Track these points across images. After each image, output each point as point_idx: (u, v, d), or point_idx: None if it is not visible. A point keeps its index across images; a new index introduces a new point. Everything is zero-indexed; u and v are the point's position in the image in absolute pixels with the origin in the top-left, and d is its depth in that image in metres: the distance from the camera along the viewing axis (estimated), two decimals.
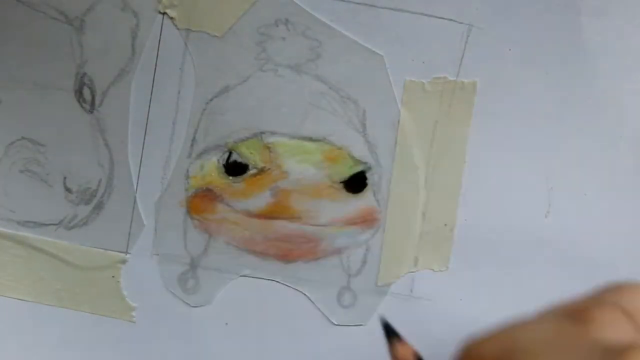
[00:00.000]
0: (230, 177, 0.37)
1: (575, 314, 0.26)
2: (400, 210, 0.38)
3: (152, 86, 0.37)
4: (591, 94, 0.37)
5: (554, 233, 0.38)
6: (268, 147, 0.37)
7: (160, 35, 0.37)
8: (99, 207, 0.38)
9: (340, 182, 0.38)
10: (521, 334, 0.26)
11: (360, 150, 0.37)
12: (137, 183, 0.38)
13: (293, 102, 0.37)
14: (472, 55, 0.37)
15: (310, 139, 0.37)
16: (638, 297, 0.27)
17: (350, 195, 0.38)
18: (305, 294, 0.38)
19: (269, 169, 0.37)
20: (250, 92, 0.37)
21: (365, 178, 0.37)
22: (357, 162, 0.37)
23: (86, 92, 0.37)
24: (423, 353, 0.29)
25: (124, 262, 0.38)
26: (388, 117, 0.37)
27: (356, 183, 0.38)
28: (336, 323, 0.38)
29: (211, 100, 0.37)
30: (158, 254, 0.38)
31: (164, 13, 0.36)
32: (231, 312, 0.38)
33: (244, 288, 0.38)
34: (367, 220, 0.38)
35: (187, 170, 0.38)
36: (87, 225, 0.38)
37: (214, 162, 0.37)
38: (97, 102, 0.37)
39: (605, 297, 0.27)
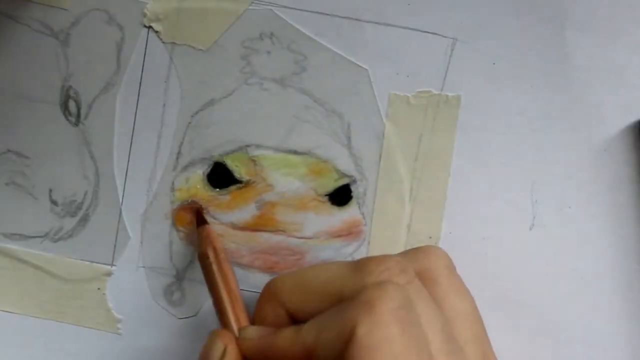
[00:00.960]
0: (216, 190, 0.38)
1: (355, 264, 0.31)
2: (385, 223, 0.38)
3: (138, 99, 0.37)
4: (575, 108, 0.37)
5: (538, 246, 0.38)
6: (253, 160, 0.37)
7: (146, 48, 0.37)
8: (84, 219, 0.38)
9: (325, 195, 0.38)
10: (310, 272, 0.32)
11: (345, 164, 0.37)
12: (123, 195, 0.38)
13: (278, 116, 0.37)
14: (456, 69, 0.37)
15: (295, 152, 0.37)
16: (432, 257, 0.32)
17: (335, 208, 0.38)
18: None
19: (254, 181, 0.37)
20: (235, 106, 0.37)
21: (350, 191, 0.38)
22: (342, 175, 0.37)
23: (72, 105, 0.37)
24: None
25: (109, 274, 0.38)
26: (373, 131, 0.37)
27: (341, 196, 0.38)
28: None
29: (196, 113, 0.37)
30: (144, 266, 0.38)
31: (149, 27, 0.37)
32: (217, 324, 0.38)
33: None
34: (352, 233, 0.38)
35: (173, 183, 0.38)
36: (72, 238, 0.38)
37: (199, 175, 0.38)
38: (82, 115, 0.37)
39: (403, 255, 0.32)
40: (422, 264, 0.32)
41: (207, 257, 0.34)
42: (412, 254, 0.33)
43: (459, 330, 0.31)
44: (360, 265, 0.30)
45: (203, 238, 0.35)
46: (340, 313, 0.28)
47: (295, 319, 0.31)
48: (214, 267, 0.34)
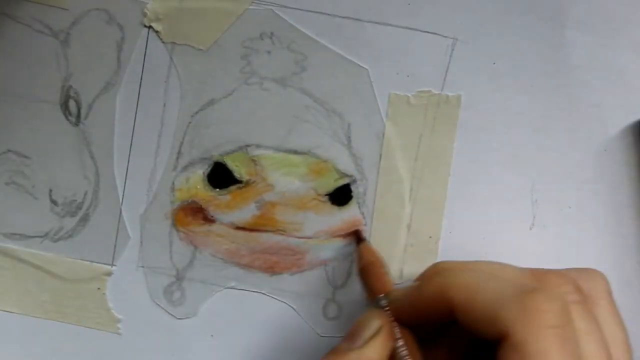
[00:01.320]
0: (216, 190, 0.38)
1: (535, 273, 0.30)
2: (385, 223, 0.38)
3: (138, 99, 0.37)
4: (575, 107, 0.37)
5: (538, 245, 0.38)
6: (253, 160, 0.37)
7: (146, 48, 0.37)
8: (84, 219, 0.38)
9: (326, 195, 0.38)
10: (482, 266, 0.31)
11: (345, 163, 0.37)
12: (123, 195, 0.38)
13: (278, 116, 0.37)
14: (456, 69, 0.37)
15: (296, 152, 0.37)
16: (595, 280, 0.32)
17: (335, 207, 0.38)
18: (290, 306, 0.38)
19: (254, 181, 0.37)
20: (235, 106, 0.37)
21: (350, 191, 0.38)
22: (342, 174, 0.37)
23: (72, 105, 0.37)
24: None
25: (109, 274, 0.38)
26: (373, 130, 0.37)
27: (341, 196, 0.38)
28: (322, 334, 0.38)
29: (196, 113, 0.37)
30: (144, 266, 0.38)
31: (150, 27, 0.37)
32: (217, 324, 0.38)
33: (229, 300, 0.38)
34: (352, 233, 0.38)
35: (173, 183, 0.38)
36: (72, 238, 0.38)
37: (199, 175, 0.38)
38: (82, 115, 0.37)
39: (569, 273, 0.31)
40: (587, 283, 0.31)
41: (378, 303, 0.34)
42: (575, 273, 0.32)
43: (613, 357, 0.30)
44: (538, 275, 0.30)
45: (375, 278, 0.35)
46: (501, 304, 0.28)
47: (450, 317, 0.30)
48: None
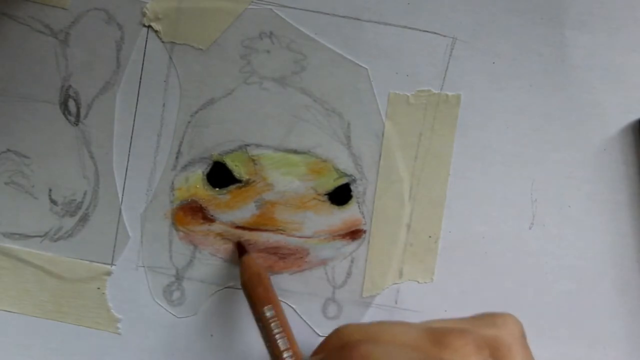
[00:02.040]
0: (216, 189, 0.38)
1: (435, 334, 0.30)
2: (384, 222, 0.38)
3: (137, 99, 0.37)
4: (575, 106, 0.37)
5: (538, 244, 0.38)
6: (253, 160, 0.37)
7: (145, 48, 0.37)
8: (84, 219, 0.38)
9: (325, 194, 0.38)
10: (386, 331, 0.30)
11: (344, 163, 0.37)
12: (123, 195, 0.38)
13: (278, 115, 0.37)
14: (456, 68, 0.37)
15: (295, 152, 0.37)
16: (507, 326, 0.31)
17: (335, 207, 0.38)
18: (290, 306, 0.38)
19: (254, 181, 0.37)
20: (235, 105, 0.37)
21: (349, 190, 0.38)
22: (342, 174, 0.37)
23: (71, 105, 0.37)
24: None
25: (109, 273, 0.38)
26: (372, 130, 0.37)
27: (341, 195, 0.38)
28: (321, 334, 0.38)
29: (196, 112, 0.37)
30: (143, 266, 0.38)
31: (149, 26, 0.37)
32: (216, 323, 0.38)
33: (229, 299, 0.38)
34: (352, 232, 0.38)
35: (172, 183, 0.38)
36: (72, 237, 0.38)
37: (199, 174, 0.38)
38: (82, 114, 0.37)
39: (476, 325, 0.31)
40: (497, 332, 0.31)
41: (264, 314, 0.35)
42: (486, 320, 0.32)
43: None
44: (439, 337, 0.30)
45: (259, 292, 0.36)
46: None
47: None
48: (273, 325, 0.35)
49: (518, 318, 0.32)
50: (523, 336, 0.32)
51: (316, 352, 0.32)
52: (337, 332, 0.32)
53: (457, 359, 0.29)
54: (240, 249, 0.37)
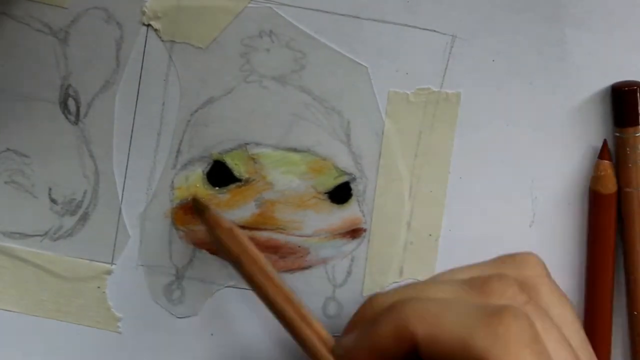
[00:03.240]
0: (215, 188, 0.38)
1: (474, 284, 0.29)
2: (385, 221, 0.38)
3: (137, 98, 0.37)
4: (575, 104, 0.37)
5: (538, 242, 0.38)
6: (253, 158, 0.37)
7: (145, 46, 0.37)
8: (84, 218, 0.38)
9: (325, 193, 0.38)
10: (421, 291, 0.30)
11: (344, 161, 0.37)
12: (122, 194, 0.38)
13: (277, 113, 0.37)
14: (455, 66, 0.37)
15: (295, 150, 0.37)
16: (530, 266, 0.31)
17: (335, 206, 0.38)
18: None
19: (254, 180, 0.37)
20: (234, 104, 0.37)
21: (349, 189, 0.38)
22: (342, 173, 0.37)
23: (71, 104, 0.37)
24: None
25: (109, 273, 0.38)
26: (372, 128, 0.37)
27: (341, 194, 0.38)
28: None
29: (196, 111, 0.37)
30: (143, 265, 0.38)
31: (148, 25, 0.37)
32: (217, 322, 0.38)
33: (229, 299, 0.38)
34: (352, 231, 0.38)
35: (172, 182, 0.38)
36: (72, 237, 0.38)
37: (198, 173, 0.38)
38: (81, 113, 0.37)
39: (502, 268, 0.31)
40: (522, 272, 0.31)
41: (243, 266, 0.32)
42: (510, 261, 0.32)
43: (569, 340, 0.29)
44: (479, 286, 0.29)
45: (227, 238, 0.33)
46: (470, 332, 0.27)
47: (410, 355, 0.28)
48: (259, 277, 0.32)
49: (538, 256, 0.32)
50: (547, 271, 0.32)
51: (349, 329, 0.31)
52: (369, 303, 0.31)
53: (505, 302, 0.28)
54: (198, 207, 0.35)
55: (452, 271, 0.32)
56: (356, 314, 0.31)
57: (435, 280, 0.31)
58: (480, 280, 0.30)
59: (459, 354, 0.27)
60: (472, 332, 0.26)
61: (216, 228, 0.34)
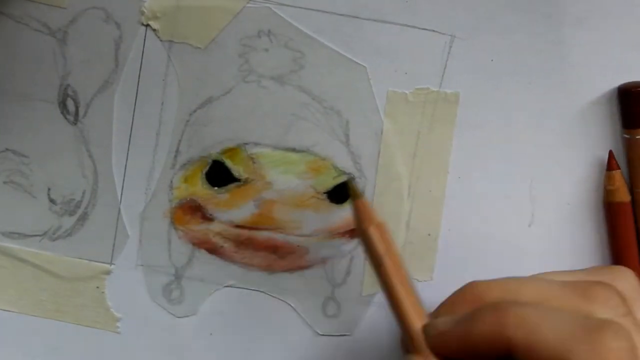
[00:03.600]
0: (214, 188, 0.38)
1: (578, 288, 0.28)
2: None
3: (136, 98, 0.37)
4: (573, 104, 0.37)
5: (537, 242, 0.38)
6: (252, 158, 0.37)
7: (144, 47, 0.37)
8: (83, 218, 0.38)
9: (324, 193, 0.38)
10: (525, 287, 0.29)
11: (343, 161, 0.37)
12: (121, 194, 0.38)
13: (276, 113, 0.37)
14: (454, 66, 0.37)
15: (294, 150, 0.37)
16: (627, 279, 0.30)
17: (334, 205, 0.38)
18: (290, 304, 0.38)
19: (253, 179, 0.37)
20: (233, 103, 0.37)
21: (348, 188, 0.37)
22: (341, 172, 0.37)
23: (70, 104, 0.37)
24: None
25: (108, 273, 0.38)
26: (371, 128, 0.37)
27: (340, 193, 0.38)
28: (321, 333, 0.38)
29: (194, 111, 0.37)
30: (142, 265, 0.38)
31: (147, 25, 0.37)
32: (216, 322, 0.38)
33: (228, 298, 0.38)
34: (351, 231, 0.38)
35: (171, 181, 0.38)
36: (71, 236, 0.38)
37: (197, 173, 0.38)
38: (80, 113, 0.37)
39: (601, 276, 0.30)
40: (620, 284, 0.30)
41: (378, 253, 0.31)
42: (607, 272, 0.31)
43: None
44: (583, 291, 0.29)
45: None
46: (569, 347, 0.26)
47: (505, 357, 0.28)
48: (387, 261, 0.31)
49: (632, 272, 0.31)
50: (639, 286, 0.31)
51: (446, 307, 0.30)
52: (470, 288, 0.30)
53: (608, 312, 0.28)
54: (354, 190, 0.35)
55: (550, 273, 0.31)
56: (454, 296, 0.30)
57: (537, 278, 0.30)
58: (583, 284, 0.29)
59: None
60: (572, 348, 0.26)
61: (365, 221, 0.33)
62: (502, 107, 0.37)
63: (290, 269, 0.38)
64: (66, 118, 0.37)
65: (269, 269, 0.38)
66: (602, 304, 0.28)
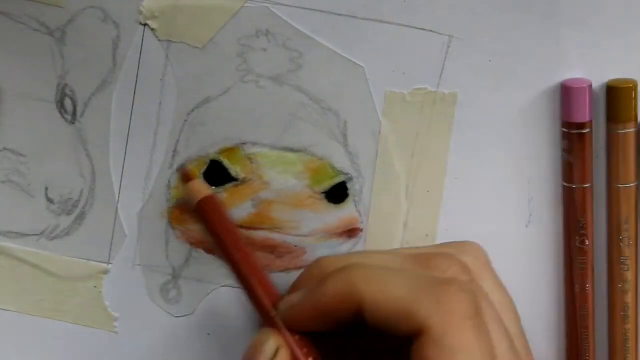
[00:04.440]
0: (212, 188, 0.37)
1: (419, 259, 0.31)
2: (381, 221, 0.38)
3: (134, 97, 0.37)
4: None
5: (535, 243, 0.38)
6: (249, 158, 0.37)
7: (142, 46, 0.37)
8: (81, 217, 0.38)
9: (322, 193, 0.38)
10: (369, 258, 0.31)
11: (341, 161, 0.37)
12: (119, 194, 0.38)
13: (274, 113, 0.37)
14: (452, 67, 0.37)
15: (292, 150, 0.37)
16: (474, 253, 0.33)
17: (331, 205, 0.38)
18: None
19: (250, 179, 0.37)
20: (231, 103, 0.37)
21: (346, 189, 0.38)
22: (338, 172, 0.37)
23: (67, 103, 0.37)
24: None
25: (106, 272, 0.38)
26: (369, 128, 0.37)
27: (337, 194, 0.38)
28: None
29: (192, 111, 0.37)
30: (140, 265, 0.38)
31: (145, 24, 0.37)
32: (213, 322, 0.38)
33: (226, 298, 0.38)
34: (349, 231, 0.38)
35: (169, 181, 0.38)
36: (69, 236, 0.38)
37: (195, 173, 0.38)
38: (78, 113, 0.37)
39: (446, 250, 0.32)
40: (467, 257, 0.32)
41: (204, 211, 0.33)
42: (455, 246, 0.33)
43: (507, 327, 0.31)
44: (424, 261, 0.31)
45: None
46: (415, 298, 0.28)
47: (356, 318, 0.29)
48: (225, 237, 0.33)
49: (482, 246, 0.34)
50: (490, 261, 0.34)
51: (295, 286, 0.32)
52: (317, 264, 0.32)
53: (448, 278, 0.30)
54: (186, 175, 0.36)
55: (398, 249, 0.34)
56: (302, 274, 0.32)
57: (382, 251, 0.32)
58: (425, 256, 0.31)
59: (403, 320, 0.28)
60: (417, 299, 0.28)
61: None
62: (500, 108, 0.37)
63: (288, 269, 0.38)
64: (64, 117, 0.37)
65: (267, 269, 0.38)
66: (442, 272, 0.30)
